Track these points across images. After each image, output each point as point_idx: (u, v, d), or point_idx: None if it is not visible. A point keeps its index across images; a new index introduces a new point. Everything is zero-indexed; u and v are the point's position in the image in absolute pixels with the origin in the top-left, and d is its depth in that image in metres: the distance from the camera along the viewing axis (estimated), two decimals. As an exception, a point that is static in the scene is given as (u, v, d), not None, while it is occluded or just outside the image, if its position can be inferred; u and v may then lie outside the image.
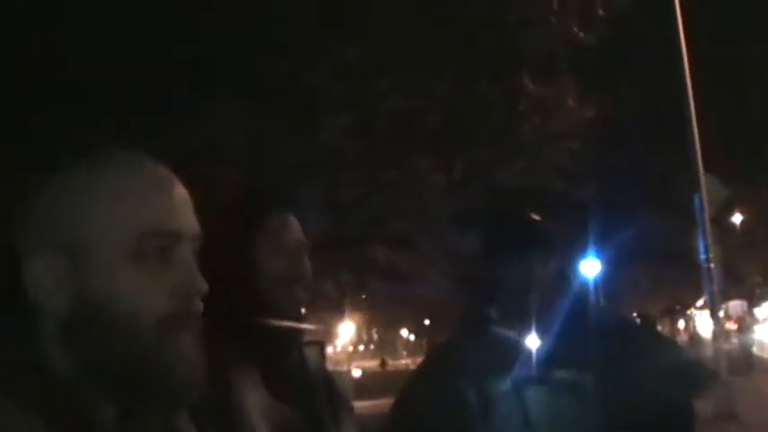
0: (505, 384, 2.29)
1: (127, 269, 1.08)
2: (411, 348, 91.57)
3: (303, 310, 2.01)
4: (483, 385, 2.30)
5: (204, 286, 1.15)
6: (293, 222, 2.02)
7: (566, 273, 2.47)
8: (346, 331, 45.11)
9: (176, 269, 1.12)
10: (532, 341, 2.30)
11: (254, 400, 1.83)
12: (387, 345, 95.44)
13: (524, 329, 2.31)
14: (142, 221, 1.10)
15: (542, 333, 2.29)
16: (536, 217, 2.49)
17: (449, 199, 15.04)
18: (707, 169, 14.60)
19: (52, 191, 1.13)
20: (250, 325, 1.91)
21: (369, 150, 12.19)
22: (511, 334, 2.32)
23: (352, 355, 73.49)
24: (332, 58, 10.69)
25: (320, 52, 10.54)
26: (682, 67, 14.24)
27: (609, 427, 2.18)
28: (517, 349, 2.30)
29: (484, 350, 2.34)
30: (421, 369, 2.69)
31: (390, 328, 62.38)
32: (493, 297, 2.39)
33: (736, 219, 42.31)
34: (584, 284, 2.67)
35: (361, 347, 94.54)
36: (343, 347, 62.10)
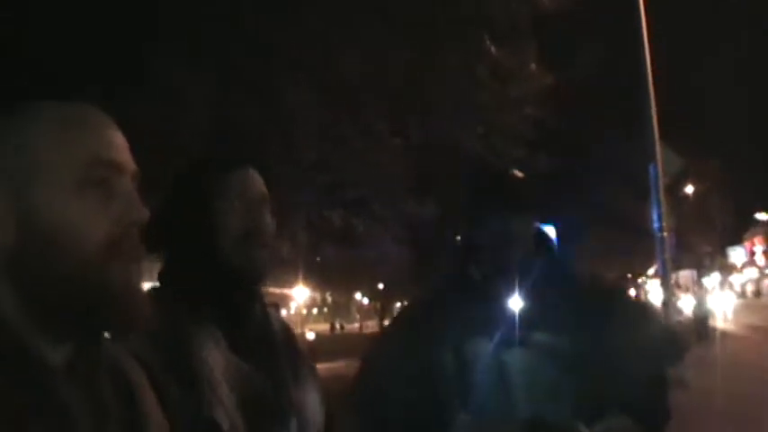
0: (484, 346, 2.25)
1: (71, 198, 1.11)
2: (364, 312, 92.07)
3: (266, 266, 1.98)
4: (460, 346, 2.27)
5: (145, 214, 1.17)
6: (254, 176, 2.00)
7: (545, 234, 2.45)
8: (300, 294, 45.10)
9: (119, 198, 1.15)
10: (513, 302, 2.27)
11: (216, 357, 1.82)
12: (340, 308, 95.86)
13: (505, 290, 2.28)
14: (85, 152, 1.14)
15: (523, 295, 2.26)
16: (518, 174, 2.45)
17: (406, 163, 15.05)
18: (662, 140, 14.71)
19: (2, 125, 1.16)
20: (212, 283, 1.89)
21: (326, 113, 12.13)
22: (491, 294, 2.29)
23: (306, 318, 73.73)
24: (291, 21, 10.62)
25: (280, 15, 10.48)
26: (640, 36, 14.29)
27: (587, 392, 2.15)
28: (497, 310, 2.27)
29: (462, 310, 2.30)
30: (393, 327, 2.65)
31: (344, 291, 62.50)
32: (475, 256, 2.36)
33: (689, 189, 42.99)
34: (564, 247, 2.63)
35: (315, 311, 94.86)
36: (297, 310, 62.24)
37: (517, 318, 2.24)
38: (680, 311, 30.63)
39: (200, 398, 1.74)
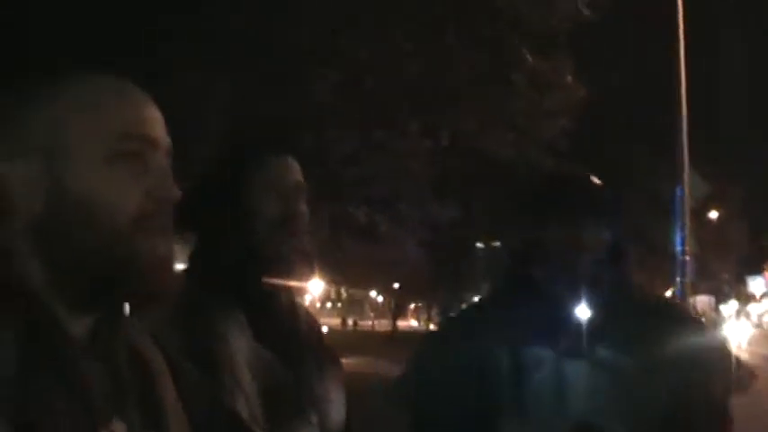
0: (544, 353, 2.19)
1: (104, 169, 1.11)
2: (378, 310, 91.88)
3: (299, 255, 1.97)
4: (518, 350, 2.21)
5: (177, 192, 1.17)
6: (292, 164, 2.00)
7: (621, 246, 2.33)
8: (315, 287, 45.13)
9: (151, 173, 1.15)
10: (580, 311, 2.18)
11: (241, 344, 1.82)
12: (354, 304, 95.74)
13: (570, 297, 2.20)
14: (119, 124, 1.14)
15: (590, 305, 2.18)
16: (598, 182, 2.38)
17: (433, 164, 15.03)
18: (691, 162, 14.66)
19: (28, 98, 1.15)
20: (243, 268, 1.89)
21: (357, 109, 12.14)
22: (555, 299, 2.21)
23: (320, 312, 73.71)
24: (324, 16, 10.62)
25: (313, 10, 10.47)
26: (678, 56, 14.24)
27: (646, 416, 2.10)
28: (560, 317, 2.19)
29: (523, 312, 2.22)
30: (449, 323, 2.59)
31: (360, 287, 62.47)
32: (540, 257, 2.28)
33: (713, 215, 42.63)
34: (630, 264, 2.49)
35: (329, 305, 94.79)
36: (312, 303, 62.20)
37: (582, 328, 2.17)
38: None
39: (221, 384, 1.74)
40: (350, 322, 79.65)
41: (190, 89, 9.37)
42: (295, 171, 1.99)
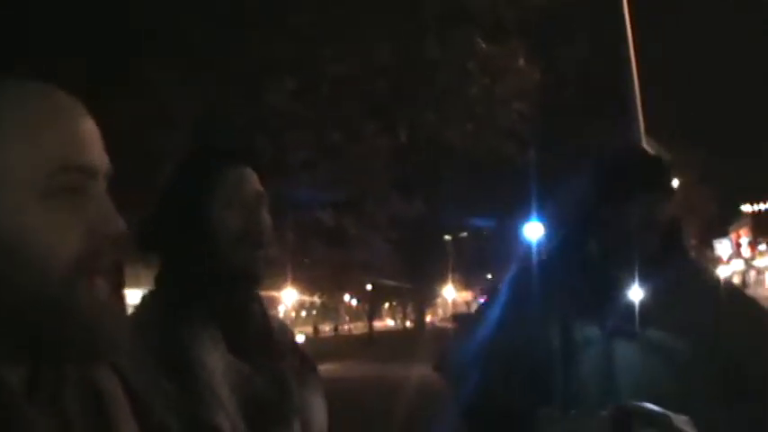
0: (594, 330, 2.14)
1: (36, 208, 0.97)
2: (353, 314, 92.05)
3: (264, 265, 1.94)
4: (569, 325, 2.16)
5: (122, 225, 1.03)
6: (250, 174, 1.96)
7: (677, 222, 2.26)
8: (289, 297, 45.04)
9: (90, 207, 1.02)
10: (633, 292, 2.11)
11: (216, 359, 1.80)
12: (329, 310, 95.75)
13: (625, 275, 2.13)
14: (53, 155, 0.99)
15: (644, 285, 2.11)
16: (657, 154, 2.31)
17: (394, 162, 15.06)
18: (648, 133, 14.74)
19: None
20: (210, 284, 1.86)
21: (314, 113, 12.14)
22: (609, 276, 2.16)
23: (295, 321, 73.60)
24: (278, 22, 10.61)
25: (265, 17, 10.47)
26: (624, 29, 14.32)
27: (696, 401, 2.00)
28: (613, 295, 2.14)
29: (575, 286, 2.19)
30: (497, 294, 2.48)
31: (333, 293, 62.46)
32: (597, 232, 2.21)
33: (674, 183, 43.16)
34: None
35: (303, 313, 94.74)
36: (286, 313, 62.03)
37: (637, 309, 2.11)
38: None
39: (201, 400, 1.72)
40: (326, 328, 79.67)
41: (147, 89, 9.36)
42: (254, 181, 1.96)
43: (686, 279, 2.22)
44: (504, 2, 12.48)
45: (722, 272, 78.21)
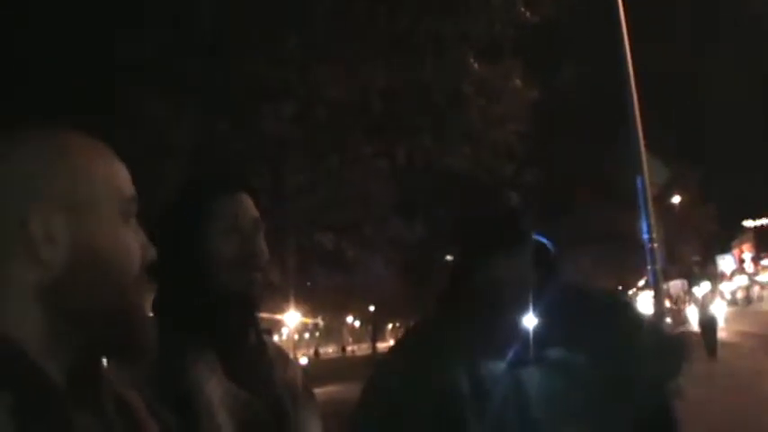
0: (499, 364, 2.20)
1: (120, 227, 1.15)
2: (357, 335, 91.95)
3: (262, 291, 1.97)
4: (474, 363, 2.20)
5: (154, 250, 1.22)
6: (246, 201, 1.97)
7: (544, 247, 2.36)
8: (292, 319, 44.98)
9: (137, 233, 1.19)
10: (527, 320, 2.20)
11: (214, 386, 1.80)
12: (332, 332, 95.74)
13: (516, 308, 2.20)
14: (122, 187, 1.18)
15: (534, 311, 2.20)
16: (508, 197, 2.33)
17: (393, 185, 15.07)
18: (648, 150, 14.72)
19: (40, 152, 1.14)
20: (208, 310, 1.87)
21: (311, 138, 12.16)
22: (502, 312, 2.21)
23: (298, 343, 73.49)
24: (272, 48, 10.64)
25: (261, 43, 10.50)
26: (623, 47, 14.32)
27: (601, 408, 2.12)
28: (509, 327, 2.20)
29: (474, 326, 2.23)
30: (401, 345, 2.50)
31: (335, 315, 62.50)
32: (479, 280, 2.25)
33: (675, 200, 43.13)
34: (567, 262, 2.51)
35: (307, 335, 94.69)
36: (289, 336, 61.93)
37: (531, 335, 2.19)
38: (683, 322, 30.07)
39: (200, 428, 1.72)
40: (329, 350, 79.45)
41: (144, 119, 9.37)
42: (250, 207, 1.97)
43: (568, 298, 2.28)
44: (500, 22, 12.50)
45: (726, 288, 78.26)
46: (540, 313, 2.21)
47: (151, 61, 9.56)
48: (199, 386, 1.78)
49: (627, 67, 14.27)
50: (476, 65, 12.72)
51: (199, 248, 1.88)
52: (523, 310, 2.20)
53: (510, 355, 2.19)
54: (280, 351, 2.10)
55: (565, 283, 2.39)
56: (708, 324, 24.73)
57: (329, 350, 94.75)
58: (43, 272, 1.09)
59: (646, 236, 14.24)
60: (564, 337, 2.19)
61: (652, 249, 14.22)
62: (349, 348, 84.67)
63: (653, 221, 14.16)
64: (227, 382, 1.84)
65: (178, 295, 1.88)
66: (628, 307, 2.55)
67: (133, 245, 1.17)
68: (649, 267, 14.68)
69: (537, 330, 2.20)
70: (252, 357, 1.94)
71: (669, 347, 2.45)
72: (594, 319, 2.24)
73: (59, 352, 1.11)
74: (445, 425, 2.18)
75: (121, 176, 1.19)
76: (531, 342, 2.18)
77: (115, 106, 9.22)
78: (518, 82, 13.40)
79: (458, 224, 2.38)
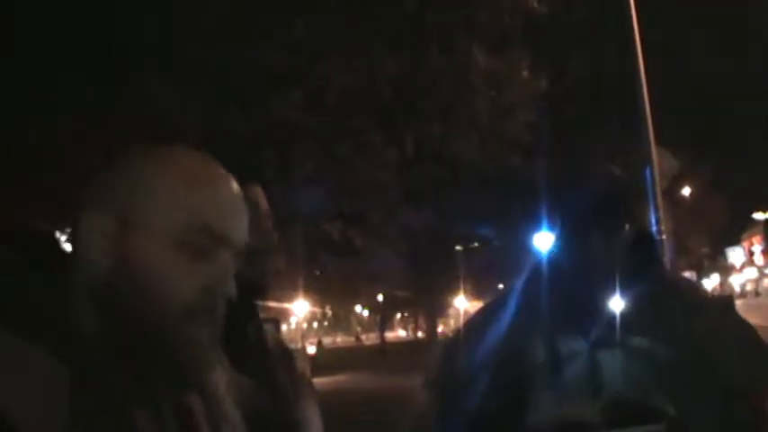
0: (578, 343, 2.18)
1: (170, 252, 1.15)
2: (365, 324, 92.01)
3: (268, 282, 2.01)
4: (552, 339, 2.19)
5: (233, 292, 1.22)
6: (258, 191, 2.01)
7: (643, 233, 2.29)
8: (300, 308, 45.07)
9: (213, 269, 1.19)
10: (613, 302, 2.16)
11: (219, 373, 1.77)
12: (341, 321, 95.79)
13: (602, 289, 2.16)
14: (195, 213, 1.17)
15: (622, 295, 2.15)
16: (614, 176, 2.32)
17: (401, 174, 15.04)
18: (658, 142, 14.68)
19: (119, 165, 1.20)
20: None
21: (320, 126, 12.14)
22: (588, 291, 2.19)
23: (307, 332, 73.66)
24: (281, 34, 10.62)
25: (269, 28, 10.48)
26: (633, 40, 14.28)
27: (684, 402, 2.08)
28: (593, 308, 2.18)
29: (556, 301, 2.21)
30: (483, 312, 2.52)
31: (344, 304, 62.55)
32: (587, 257, 2.23)
33: (686, 192, 43.03)
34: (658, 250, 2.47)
35: (315, 324, 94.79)
36: (298, 324, 62.08)
37: (618, 318, 2.15)
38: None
39: (209, 415, 1.68)
40: (338, 339, 79.42)
41: (153, 105, 9.38)
42: (262, 198, 2.01)
43: (662, 288, 2.27)
44: (509, 11, 12.46)
45: (735, 280, 78.05)
46: (630, 298, 2.17)
47: (160, 45, 9.56)
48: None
49: (637, 59, 14.25)
50: (481, 57, 12.68)
51: None
52: (612, 292, 2.16)
53: (592, 335, 2.18)
54: (277, 341, 2.12)
55: (660, 271, 2.36)
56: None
57: (338, 339, 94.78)
58: (89, 274, 1.14)
59: (654, 227, 14.24)
60: (651, 326, 2.16)
61: (661, 241, 14.22)
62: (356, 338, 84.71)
63: (662, 213, 14.16)
64: (231, 370, 1.84)
65: None
66: (726, 308, 2.48)
67: (183, 275, 1.15)
68: (658, 259, 14.69)
69: (623, 315, 2.16)
70: (253, 348, 1.96)
71: (763, 357, 2.29)
72: (685, 314, 2.21)
73: (116, 349, 1.14)
74: (513, 390, 2.18)
75: (202, 201, 1.18)
76: (617, 326, 2.15)
77: (131, 90, 9.24)
78: (527, 72, 13.37)
79: (559, 201, 2.33)
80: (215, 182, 1.22)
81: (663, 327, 2.16)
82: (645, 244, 2.27)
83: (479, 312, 2.57)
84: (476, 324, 2.46)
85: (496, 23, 12.53)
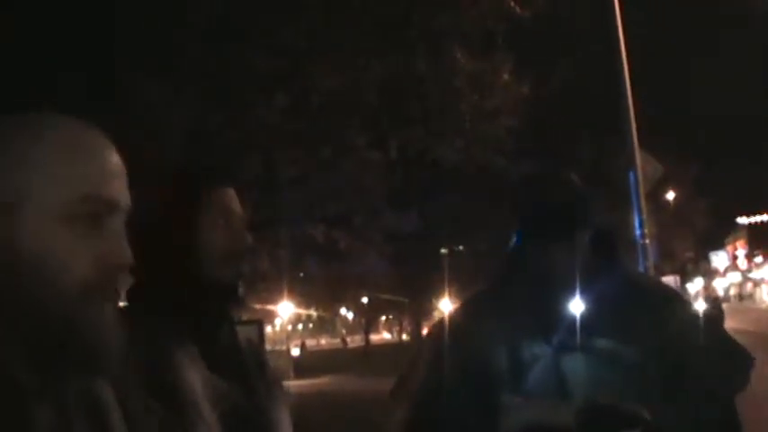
0: (541, 349, 2.19)
1: (56, 230, 1.07)
2: (350, 327, 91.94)
3: (241, 285, 1.99)
4: (516, 346, 2.21)
5: (130, 259, 1.14)
6: (234, 194, 2.00)
7: (604, 235, 2.32)
8: (285, 310, 45.03)
9: (105, 237, 1.11)
10: (574, 305, 2.17)
11: (195, 374, 1.82)
12: (326, 323, 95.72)
13: (563, 293, 2.18)
14: (77, 184, 1.09)
15: (583, 297, 2.17)
16: (572, 186, 2.31)
17: (386, 177, 15.07)
18: (642, 146, 14.71)
19: None
20: (189, 300, 1.88)
21: (305, 129, 12.15)
22: (549, 296, 2.20)
23: (292, 334, 73.59)
24: (266, 38, 10.63)
25: (255, 32, 10.49)
26: (617, 44, 14.32)
27: (648, 401, 2.06)
28: (555, 312, 2.19)
29: (518, 308, 2.23)
30: (445, 322, 2.51)
31: (329, 306, 62.50)
32: (537, 264, 2.25)
33: (669, 196, 43.18)
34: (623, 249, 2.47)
35: (300, 326, 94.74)
36: (282, 327, 62.05)
37: (578, 321, 2.17)
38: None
39: (185, 416, 1.73)
40: (322, 342, 79.21)
41: (136, 105, 9.37)
42: (237, 201, 2.00)
43: (625, 288, 2.27)
44: (492, 15, 12.49)
45: (719, 284, 78.39)
46: (592, 300, 2.19)
47: (146, 44, 9.57)
48: (183, 375, 1.79)
49: (621, 62, 14.28)
50: (464, 60, 12.72)
51: (190, 237, 1.89)
52: (574, 296, 2.18)
53: (554, 339, 2.19)
54: (249, 342, 2.12)
55: (622, 272, 2.37)
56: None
57: (322, 341, 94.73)
58: None
59: (638, 232, 14.27)
60: (614, 327, 2.17)
61: (644, 246, 14.24)
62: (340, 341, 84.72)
63: (645, 217, 14.18)
64: (206, 371, 1.85)
65: (162, 282, 1.89)
66: (686, 304, 2.49)
67: (80, 249, 1.09)
68: (641, 263, 14.71)
69: (586, 317, 2.18)
70: (228, 350, 1.96)
71: (733, 358, 2.30)
72: (648, 313, 2.21)
73: (17, 349, 1.08)
74: (479, 397, 2.19)
75: (84, 168, 1.11)
76: (579, 329, 2.16)
77: (109, 88, 9.24)
78: (510, 76, 13.40)
79: (517, 209, 2.34)
80: (93, 147, 1.14)
81: (627, 328, 2.16)
82: (605, 247, 2.30)
83: (441, 323, 2.56)
84: (440, 333, 2.46)
85: (480, 27, 12.55)
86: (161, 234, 1.88)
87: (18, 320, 1.06)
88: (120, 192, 1.15)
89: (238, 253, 1.94)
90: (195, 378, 1.81)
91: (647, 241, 14.22)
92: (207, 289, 1.89)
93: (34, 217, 1.07)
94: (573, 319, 2.17)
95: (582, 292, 2.17)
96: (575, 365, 2.16)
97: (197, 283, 1.88)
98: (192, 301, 1.88)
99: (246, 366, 2.00)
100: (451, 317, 2.52)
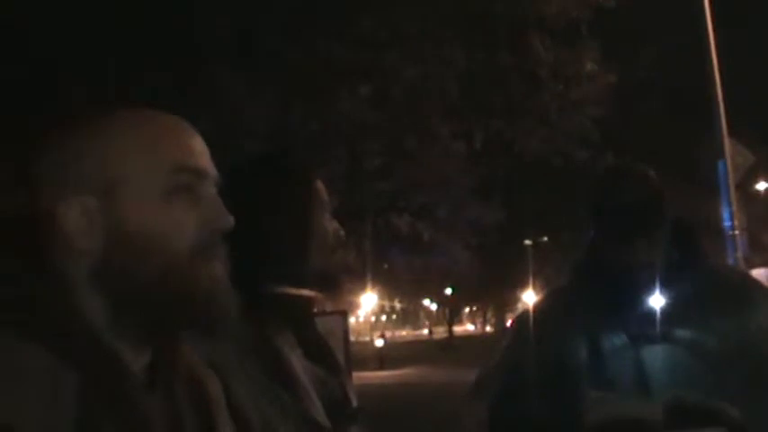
0: (620, 340, 2.20)
1: (157, 204, 1.14)
2: (433, 318, 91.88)
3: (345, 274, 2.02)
4: (595, 337, 2.22)
5: (230, 220, 1.20)
6: (322, 187, 1.99)
7: (685, 227, 2.33)
8: (368, 301, 45.21)
9: (203, 204, 1.18)
10: (654, 297, 2.18)
11: (296, 360, 1.84)
12: (409, 315, 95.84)
13: (644, 284, 2.18)
14: (169, 159, 1.16)
15: (664, 289, 2.17)
16: (654, 184, 2.30)
17: (470, 168, 15.02)
18: (731, 135, 14.37)
19: (74, 139, 1.17)
20: (298, 287, 1.88)
21: (389, 120, 12.16)
22: (630, 287, 2.21)
23: (376, 325, 73.84)
24: (348, 29, 10.67)
25: (337, 25, 10.53)
26: (705, 29, 14.01)
27: (734, 391, 2.06)
28: (636, 303, 2.19)
29: (599, 299, 2.25)
30: (522, 319, 2.55)
31: (413, 297, 62.46)
32: (613, 250, 2.27)
33: (760, 186, 42.04)
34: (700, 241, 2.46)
35: (384, 318, 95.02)
36: (366, 318, 62.28)
37: (658, 314, 2.17)
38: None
39: (299, 397, 1.76)
40: (403, 333, 79.00)
41: (222, 100, 9.47)
42: (323, 192, 1.99)
43: (707, 282, 2.26)
44: (577, 4, 12.33)
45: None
46: (673, 294, 2.19)
47: (231, 40, 9.66)
48: (290, 359, 1.81)
49: (710, 49, 13.96)
50: (546, 51, 12.58)
51: (306, 228, 1.88)
52: (654, 290, 2.18)
53: (634, 330, 2.20)
54: (329, 332, 2.13)
55: (704, 265, 2.36)
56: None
57: (403, 333, 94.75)
58: (84, 261, 1.12)
59: (727, 223, 13.95)
60: (695, 318, 2.17)
61: (733, 237, 13.93)
62: (425, 332, 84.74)
63: (735, 208, 13.85)
64: (304, 359, 1.87)
65: (272, 269, 1.86)
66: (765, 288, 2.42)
67: (182, 219, 1.15)
68: (731, 255, 14.38)
69: (666, 310, 2.18)
70: (317, 338, 1.98)
71: None
72: (731, 306, 2.21)
73: (128, 336, 1.13)
74: (561, 389, 2.20)
75: (171, 147, 1.18)
76: (659, 320, 2.17)
77: (194, 81, 9.35)
78: (592, 66, 13.22)
79: (601, 208, 2.33)
80: (179, 133, 1.21)
81: (708, 319, 2.16)
82: (687, 242, 2.30)
83: (524, 315, 2.58)
84: (522, 326, 2.49)
85: (564, 16, 12.40)
86: (277, 225, 1.87)
87: (129, 301, 1.12)
88: (207, 162, 1.22)
89: (338, 242, 1.94)
90: (297, 365, 1.83)
91: (737, 233, 13.90)
92: (313, 278, 1.88)
93: (136, 196, 1.13)
94: (653, 311, 2.17)
95: (662, 287, 2.17)
96: (655, 356, 2.16)
97: (305, 271, 1.87)
98: (288, 291, 1.87)
99: (333, 355, 2.01)
100: (534, 309, 2.54)
